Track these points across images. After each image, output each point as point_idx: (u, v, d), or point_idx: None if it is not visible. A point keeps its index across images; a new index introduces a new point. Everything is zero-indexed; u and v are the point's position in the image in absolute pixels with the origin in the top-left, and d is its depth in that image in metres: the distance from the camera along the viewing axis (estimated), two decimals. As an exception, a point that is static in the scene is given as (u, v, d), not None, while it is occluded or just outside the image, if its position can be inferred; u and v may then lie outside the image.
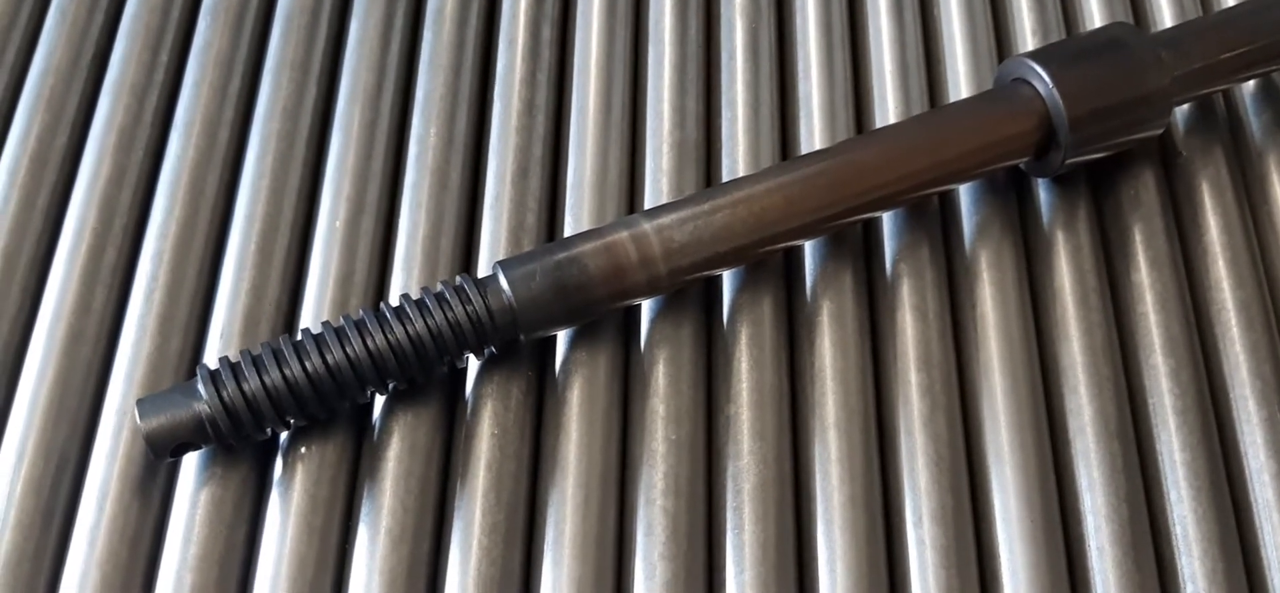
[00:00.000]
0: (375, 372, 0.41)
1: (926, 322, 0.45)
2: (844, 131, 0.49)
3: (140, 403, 0.40)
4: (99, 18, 0.52)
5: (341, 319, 0.41)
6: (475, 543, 0.40)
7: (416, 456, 0.42)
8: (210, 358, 0.44)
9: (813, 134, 0.49)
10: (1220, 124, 0.49)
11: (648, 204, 0.48)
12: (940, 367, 0.44)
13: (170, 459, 0.41)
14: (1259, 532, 0.42)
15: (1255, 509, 0.42)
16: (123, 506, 0.41)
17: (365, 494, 0.41)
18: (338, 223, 0.46)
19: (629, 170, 0.49)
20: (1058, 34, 0.52)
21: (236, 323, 0.44)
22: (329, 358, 0.40)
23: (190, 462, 0.42)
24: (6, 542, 0.40)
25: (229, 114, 0.49)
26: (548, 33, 0.52)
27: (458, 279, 0.42)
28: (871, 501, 0.41)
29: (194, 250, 0.46)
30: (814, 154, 0.45)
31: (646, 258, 0.42)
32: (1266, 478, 0.42)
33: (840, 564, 0.40)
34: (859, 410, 0.43)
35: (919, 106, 0.50)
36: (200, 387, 0.40)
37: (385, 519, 0.41)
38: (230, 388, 0.40)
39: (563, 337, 0.44)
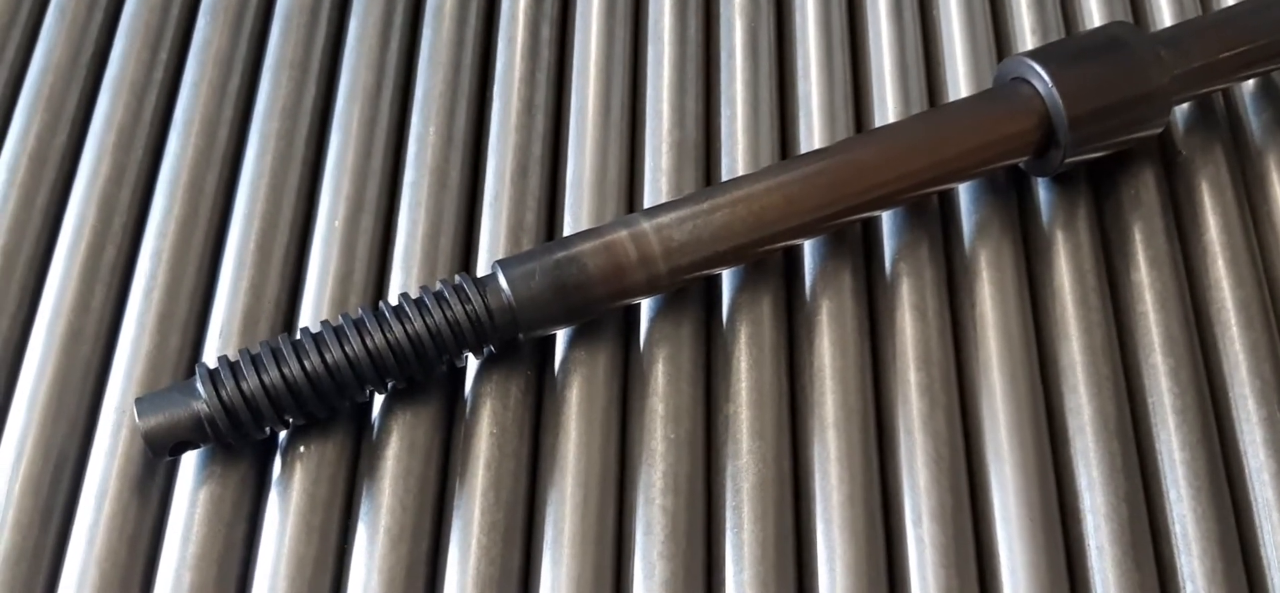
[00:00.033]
0: (374, 371, 0.41)
1: (926, 321, 0.45)
2: (843, 131, 0.49)
3: (139, 402, 0.40)
4: (98, 16, 0.52)
5: (340, 318, 0.41)
6: (474, 542, 0.40)
7: (415, 454, 0.42)
8: (209, 357, 0.44)
9: (812, 133, 0.49)
10: (1220, 123, 0.49)
11: (647, 203, 0.48)
12: (939, 366, 0.44)
13: (169, 458, 0.41)
14: (1258, 531, 0.42)
15: (1255, 508, 0.42)
16: (121, 504, 0.41)
17: (364, 493, 0.41)
18: (337, 222, 0.46)
19: (628, 169, 0.49)
20: (1057, 33, 0.52)
21: (235, 322, 0.44)
22: (328, 357, 0.40)
23: (189, 460, 0.42)
24: (5, 540, 0.40)
25: (228, 113, 0.49)
26: (547, 31, 0.52)
27: (457, 278, 0.42)
28: (871, 499, 0.41)
29: (193, 249, 0.46)
30: (813, 153, 0.45)
31: (646, 257, 0.42)
32: (1266, 477, 0.42)
33: (839, 563, 0.40)
34: (858, 409, 0.43)
35: (918, 106, 0.50)
36: (199, 385, 0.40)
37: (384, 518, 0.41)
38: (229, 387, 0.40)
39: (562, 336, 0.44)
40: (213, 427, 0.40)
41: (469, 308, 0.41)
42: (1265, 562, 0.41)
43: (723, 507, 0.41)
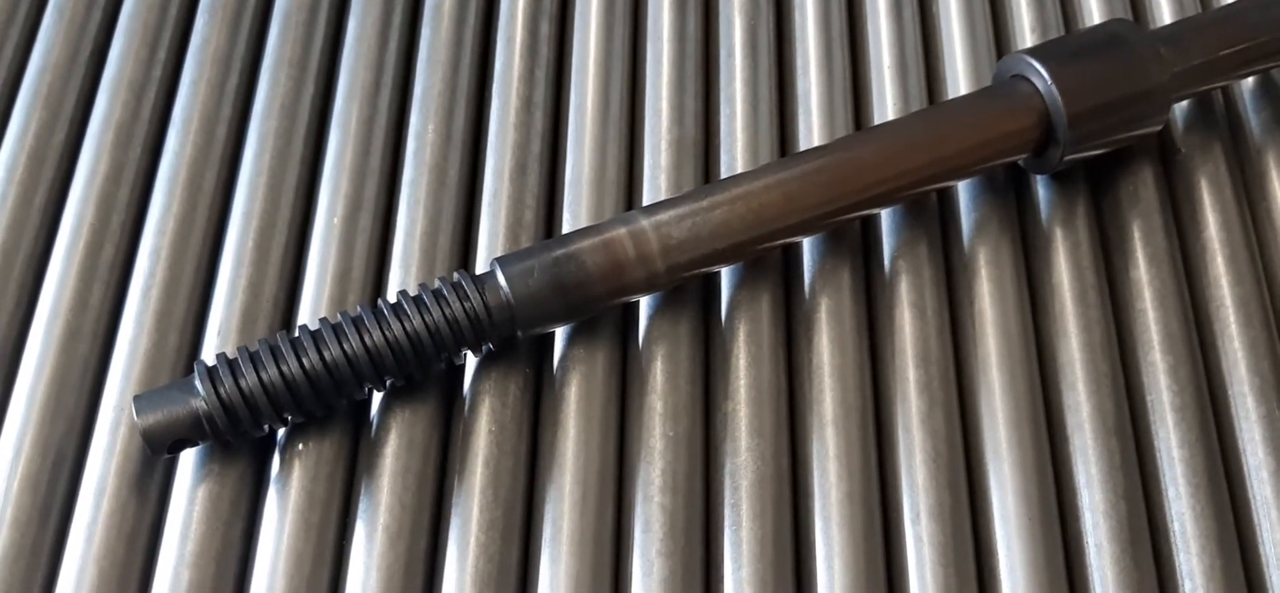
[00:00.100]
0: (373, 368, 0.41)
1: (925, 319, 0.45)
2: (842, 128, 0.49)
3: (137, 399, 0.40)
4: (97, 14, 0.52)
5: (339, 316, 0.41)
6: (473, 540, 0.40)
7: (414, 452, 0.42)
8: (208, 355, 0.44)
9: (811, 131, 0.49)
10: (1219, 121, 0.49)
11: (646, 201, 0.48)
12: (938, 364, 0.44)
13: (167, 456, 0.41)
14: (1257, 529, 0.42)
15: (1253, 506, 0.42)
16: (120, 502, 0.41)
17: (363, 491, 0.41)
18: (335, 220, 0.46)
19: (627, 167, 0.49)
20: (1056, 30, 0.52)
21: (234, 320, 0.44)
22: (326, 355, 0.40)
23: (187, 458, 0.42)
24: (4, 538, 0.40)
25: (227, 111, 0.49)
26: (546, 29, 0.52)
27: (455, 276, 0.42)
28: (869, 497, 0.41)
29: (192, 247, 0.46)
30: (812, 151, 0.45)
31: (644, 255, 0.42)
32: (1265, 475, 0.42)
33: (838, 561, 0.40)
34: (857, 407, 0.43)
35: (917, 103, 0.50)
36: (197, 383, 0.40)
37: (383, 516, 0.41)
38: (227, 385, 0.40)
39: (560, 333, 0.44)
40: (211, 424, 0.40)
41: (467, 306, 0.41)
42: (1264, 559, 0.41)
43: (721, 504, 0.41)
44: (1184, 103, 0.49)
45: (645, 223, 0.42)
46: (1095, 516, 0.41)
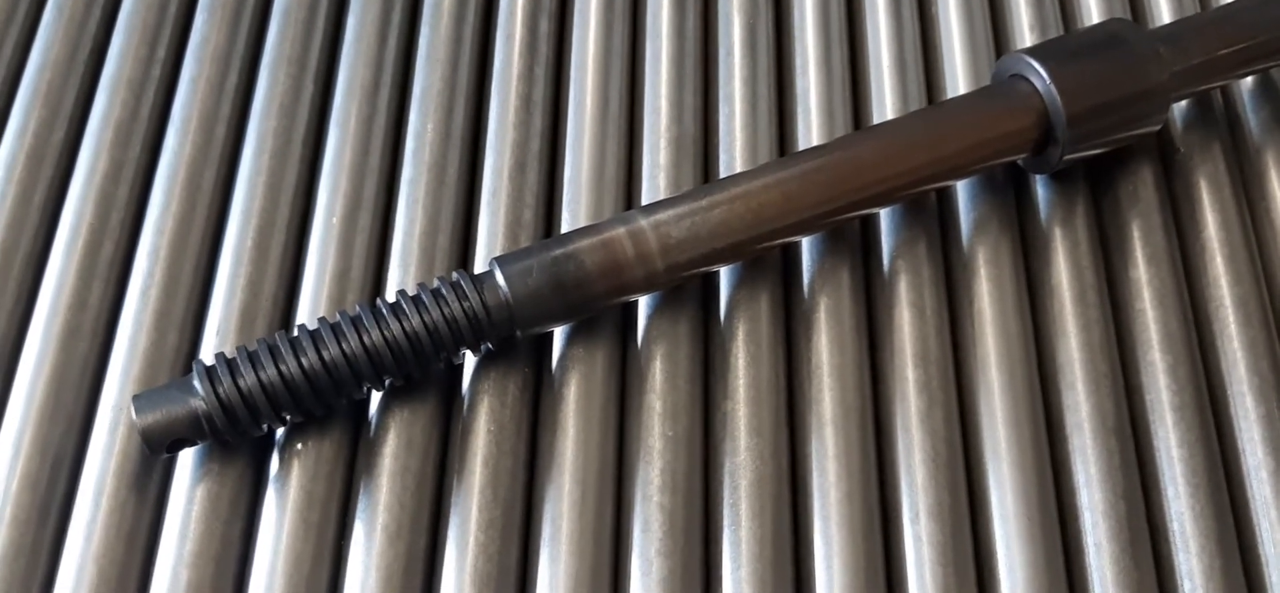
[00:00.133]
0: (372, 368, 0.41)
1: (924, 318, 0.45)
2: (842, 127, 0.49)
3: (136, 399, 0.40)
4: (96, 12, 0.52)
5: (338, 315, 0.41)
6: (472, 539, 0.40)
7: (413, 452, 0.42)
8: (207, 354, 0.44)
9: (810, 130, 0.49)
10: (1218, 121, 0.49)
11: (645, 200, 0.47)
12: (937, 363, 0.44)
13: (166, 455, 0.41)
14: (1256, 528, 0.42)
15: (1253, 506, 0.42)
16: (119, 501, 0.41)
17: (362, 490, 0.41)
18: (334, 219, 0.46)
19: (626, 166, 0.49)
20: (1056, 30, 0.52)
21: (233, 319, 0.44)
22: (325, 354, 0.40)
23: (186, 458, 0.42)
24: (3, 537, 0.40)
25: (226, 110, 0.49)
26: (545, 27, 0.52)
27: (454, 275, 0.42)
28: (868, 497, 0.41)
29: (191, 246, 0.46)
30: (811, 150, 0.45)
31: (643, 254, 0.42)
32: (1264, 474, 0.42)
33: (837, 560, 0.40)
34: (856, 407, 0.43)
35: (917, 103, 0.50)
36: (196, 383, 0.40)
37: (382, 515, 0.41)
38: (226, 384, 0.40)
39: (560, 333, 0.44)
40: (210, 424, 0.40)
41: (466, 305, 0.41)
42: (1263, 559, 0.41)
43: (720, 504, 0.41)
44: (1183, 102, 0.49)
45: (644, 222, 0.42)
46: (1094, 515, 0.41)
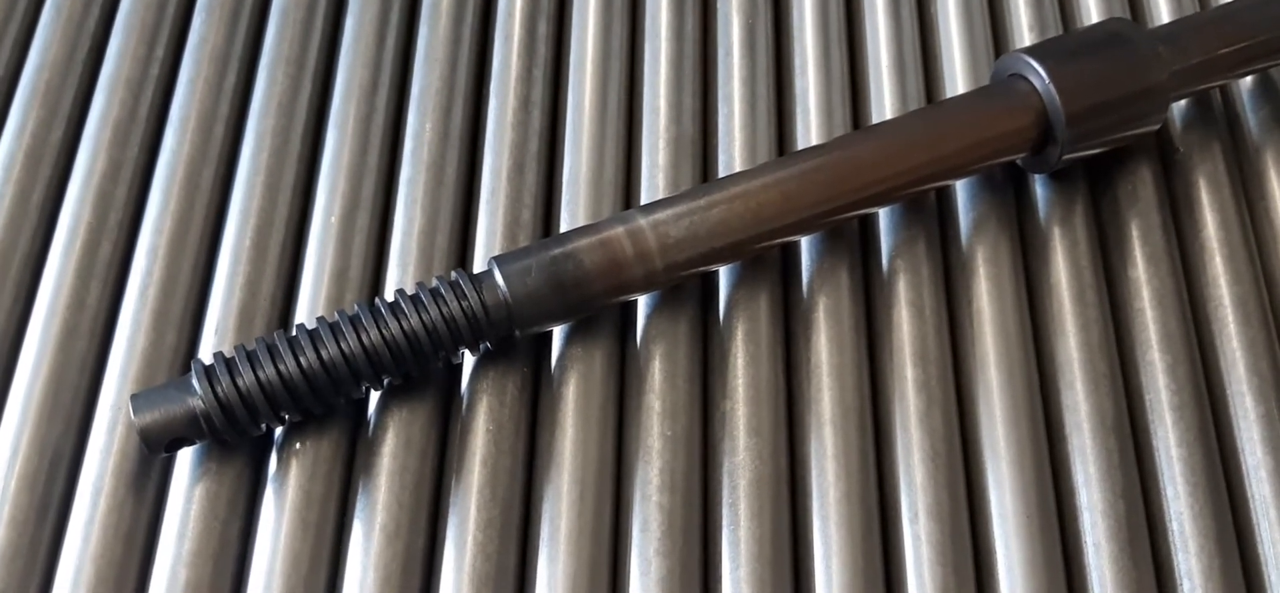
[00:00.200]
0: (370, 367, 0.41)
1: (923, 317, 0.45)
2: (841, 127, 0.49)
3: (135, 398, 0.40)
4: (95, 12, 0.52)
5: (336, 314, 0.41)
6: (470, 539, 0.40)
7: (412, 451, 0.42)
8: (205, 353, 0.44)
9: (809, 130, 0.49)
10: (1218, 120, 0.49)
11: (644, 200, 0.47)
12: (936, 362, 0.44)
13: (165, 455, 0.41)
14: (1255, 528, 0.42)
15: (1252, 505, 0.42)
16: (117, 501, 0.41)
17: (360, 490, 0.41)
18: (333, 218, 0.46)
19: (625, 166, 0.49)
20: (1055, 29, 0.52)
21: (231, 318, 0.44)
22: (324, 353, 0.40)
23: (185, 457, 0.42)
24: (1, 537, 0.40)
25: (224, 109, 0.49)
26: (544, 28, 0.52)
27: (453, 274, 0.42)
28: (867, 496, 0.41)
29: (189, 246, 0.46)
30: (810, 150, 0.45)
31: (642, 253, 0.42)
32: (1263, 474, 0.42)
33: (836, 560, 0.40)
34: (855, 406, 0.43)
35: (916, 102, 0.50)
36: (195, 382, 0.40)
37: (380, 515, 0.41)
38: (225, 383, 0.40)
39: (558, 332, 0.44)
40: (208, 423, 0.40)
41: (465, 304, 0.41)
42: (1262, 558, 0.41)
43: (719, 504, 0.41)
44: (1182, 102, 0.49)
45: (643, 222, 0.42)
46: (1093, 515, 0.41)
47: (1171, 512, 0.42)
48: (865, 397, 0.43)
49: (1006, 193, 0.48)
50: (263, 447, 0.42)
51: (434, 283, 0.42)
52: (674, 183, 0.47)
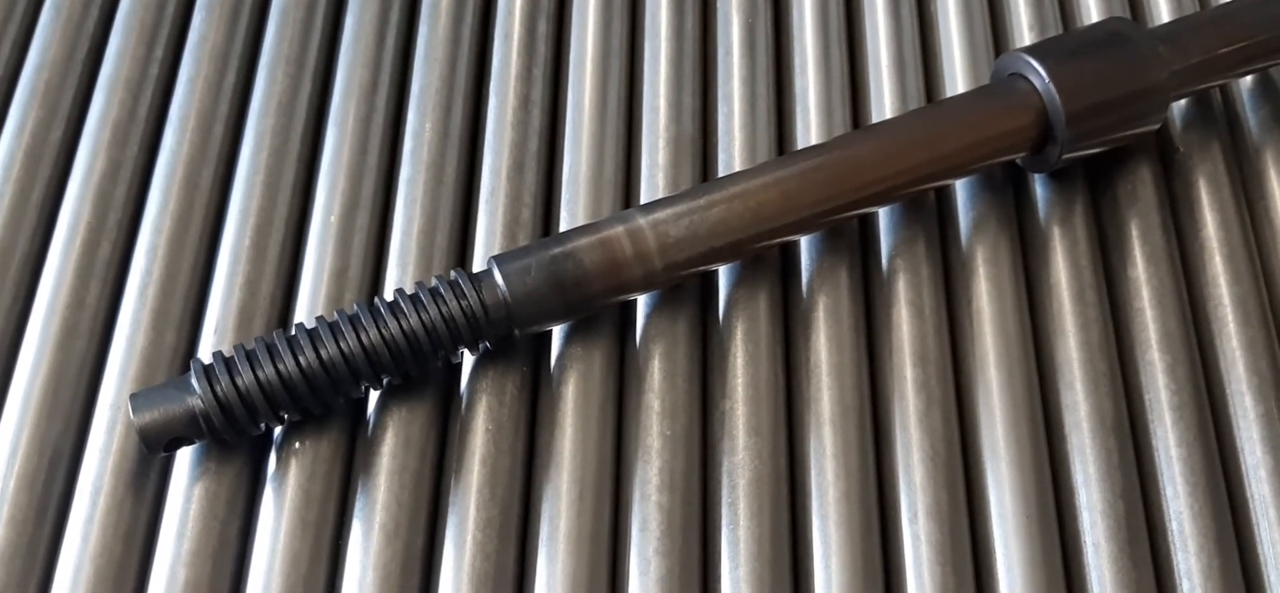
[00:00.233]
0: (370, 366, 0.41)
1: (922, 317, 0.44)
2: (840, 127, 0.49)
3: (134, 398, 0.40)
4: (94, 12, 0.52)
5: (336, 314, 0.41)
6: (469, 538, 0.40)
7: (411, 450, 0.42)
8: (204, 353, 0.44)
9: (809, 129, 0.49)
10: (1218, 120, 0.49)
11: (643, 199, 0.47)
12: (936, 362, 0.44)
13: (164, 454, 0.41)
14: (1255, 528, 0.42)
15: (1251, 505, 0.42)
16: (116, 500, 0.41)
17: (359, 489, 0.41)
18: (332, 218, 0.46)
19: (625, 165, 0.49)
20: (1055, 29, 0.52)
21: (231, 318, 0.44)
22: (323, 353, 0.40)
23: (184, 456, 0.42)
24: (0, 537, 0.40)
25: (224, 109, 0.49)
26: (543, 27, 0.52)
27: (453, 274, 0.42)
28: (867, 496, 0.41)
29: (188, 245, 0.46)
30: (810, 149, 0.45)
31: (642, 253, 0.42)
32: (1263, 474, 0.42)
33: (835, 560, 0.40)
34: (854, 406, 0.43)
35: (915, 102, 0.50)
36: (194, 381, 0.40)
37: (379, 514, 0.41)
38: (224, 383, 0.40)
39: (558, 332, 0.44)
40: (208, 423, 0.40)
41: (464, 304, 0.41)
42: (1262, 558, 0.41)
43: (718, 503, 0.41)
44: (1182, 101, 0.49)
45: (643, 221, 0.42)
46: (1093, 514, 0.41)
47: (1171, 512, 0.42)
48: (865, 396, 0.43)
49: (1006, 192, 0.48)
50: (262, 446, 0.42)
51: (433, 282, 0.42)
52: (674, 182, 0.47)
